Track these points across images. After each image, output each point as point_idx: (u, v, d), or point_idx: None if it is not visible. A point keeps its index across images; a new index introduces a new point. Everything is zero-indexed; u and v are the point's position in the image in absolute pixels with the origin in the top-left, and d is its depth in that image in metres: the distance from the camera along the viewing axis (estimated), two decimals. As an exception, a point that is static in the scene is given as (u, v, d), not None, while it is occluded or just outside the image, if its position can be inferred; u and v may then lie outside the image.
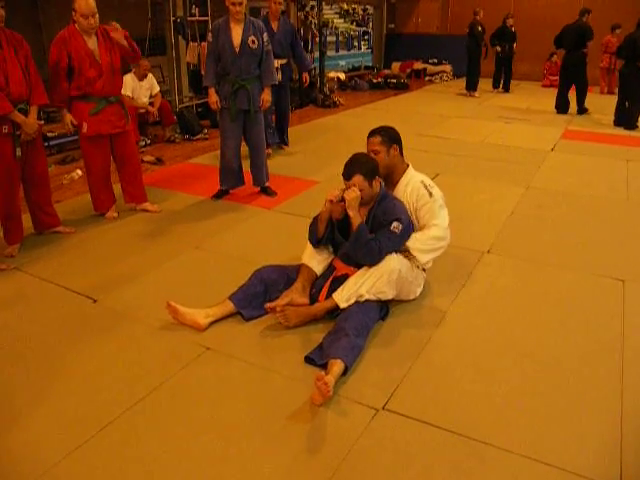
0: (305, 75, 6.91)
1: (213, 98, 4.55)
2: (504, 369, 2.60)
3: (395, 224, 2.87)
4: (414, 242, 2.99)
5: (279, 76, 5.72)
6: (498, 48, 10.89)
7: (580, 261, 3.73)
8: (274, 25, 6.01)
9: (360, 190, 2.84)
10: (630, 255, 3.83)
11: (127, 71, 6.45)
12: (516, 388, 2.47)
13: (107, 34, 4.03)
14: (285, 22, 6.20)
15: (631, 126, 8.16)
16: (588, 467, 2.04)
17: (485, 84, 11.65)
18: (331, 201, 2.90)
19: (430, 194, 3.03)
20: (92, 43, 3.93)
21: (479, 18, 10.61)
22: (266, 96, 4.65)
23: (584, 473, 2.01)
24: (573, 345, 2.80)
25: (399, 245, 2.94)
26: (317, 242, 3.06)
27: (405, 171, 3.14)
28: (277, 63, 5.66)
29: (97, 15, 3.84)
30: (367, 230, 2.86)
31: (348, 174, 2.86)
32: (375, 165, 2.93)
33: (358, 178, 2.83)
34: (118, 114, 4.16)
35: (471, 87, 11.11)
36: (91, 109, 4.01)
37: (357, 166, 2.86)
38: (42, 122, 3.80)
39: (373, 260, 2.85)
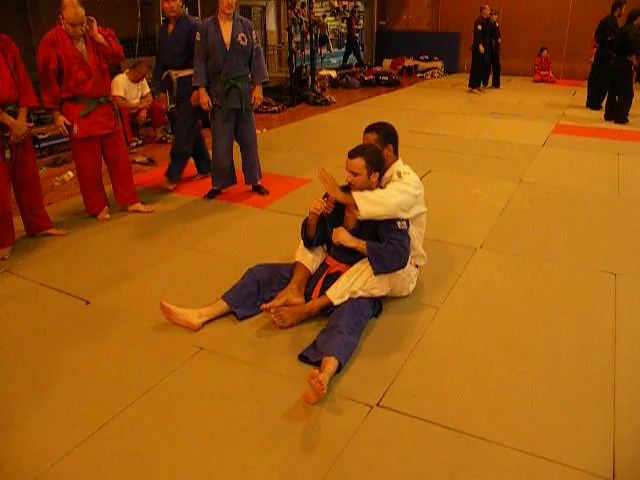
0: (194, 93, 4.68)
1: (204, 98, 4.54)
2: (498, 364, 2.61)
3: (400, 222, 2.90)
4: (357, 192, 2.89)
5: (175, 92, 4.79)
6: (481, 48, 10.81)
7: (572, 255, 3.74)
8: (170, 28, 4.76)
9: (357, 174, 2.86)
10: (622, 248, 3.85)
11: (118, 71, 6.44)
12: (510, 383, 2.48)
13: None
14: (182, 25, 4.74)
15: (621, 120, 8.19)
16: (582, 459, 2.05)
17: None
18: (315, 214, 2.94)
19: (399, 176, 3.04)
20: (80, 45, 3.91)
21: (484, 16, 10.58)
22: (257, 94, 4.65)
23: (578, 465, 2.02)
24: (566, 339, 2.81)
25: (409, 238, 2.96)
26: (310, 245, 3.08)
27: (391, 165, 3.14)
28: (175, 75, 4.72)
29: (85, 23, 3.83)
30: (374, 244, 2.85)
31: (353, 154, 2.88)
32: (381, 162, 2.96)
33: (360, 161, 2.85)
34: (108, 115, 4.15)
35: (472, 84, 11.20)
36: (81, 111, 4.00)
37: (365, 151, 2.89)
38: (32, 124, 3.78)
39: (402, 260, 2.86)
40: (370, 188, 2.92)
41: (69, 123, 3.99)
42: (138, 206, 4.49)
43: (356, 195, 2.87)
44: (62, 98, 3.96)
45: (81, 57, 3.91)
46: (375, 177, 2.93)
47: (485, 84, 11.65)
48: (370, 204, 2.84)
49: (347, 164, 2.89)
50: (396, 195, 2.88)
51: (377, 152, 2.95)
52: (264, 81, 4.70)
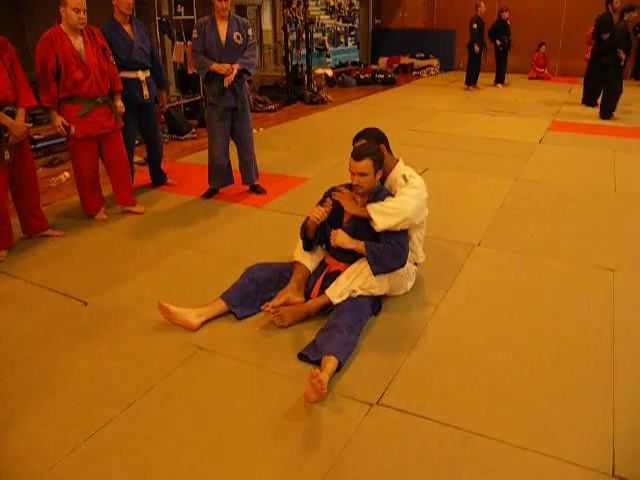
0: (163, 95, 5.12)
1: (224, 68, 4.42)
2: (497, 361, 2.62)
3: None
4: (372, 205, 2.90)
5: (145, 92, 4.66)
6: (498, 42, 10.85)
7: (570, 252, 3.75)
8: (128, 29, 4.54)
9: (365, 174, 2.85)
10: (619, 245, 3.86)
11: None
12: (508, 379, 2.48)
13: (93, 35, 4.01)
14: (139, 24, 4.69)
15: (606, 115, 8.22)
16: (581, 455, 2.06)
17: (486, 78, 11.66)
18: (315, 222, 2.93)
19: (406, 180, 3.03)
20: (78, 44, 3.90)
21: (479, 13, 10.56)
22: (235, 65, 4.49)
23: (578, 461, 2.03)
24: (565, 335, 2.82)
25: (407, 237, 2.96)
26: (309, 248, 3.07)
27: (395, 166, 3.14)
28: (142, 76, 4.62)
29: (86, 12, 3.83)
30: (373, 245, 2.85)
31: (360, 156, 2.85)
32: (382, 159, 2.96)
33: (367, 162, 2.84)
34: (107, 114, 4.14)
35: (468, 82, 11.22)
36: (79, 111, 3.98)
37: (369, 151, 2.87)
38: (30, 125, 3.76)
39: (401, 260, 2.87)
40: (374, 186, 2.93)
41: (67, 123, 3.97)
42: (127, 207, 4.46)
43: (371, 210, 2.87)
44: (59, 98, 3.95)
45: (79, 56, 3.90)
46: (379, 174, 2.94)
47: (502, 82, 11.65)
48: (386, 217, 2.85)
49: (354, 166, 2.86)
50: (410, 202, 2.88)
51: (378, 150, 2.95)
52: (246, 68, 4.55)
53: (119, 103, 4.29)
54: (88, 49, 3.94)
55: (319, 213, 2.91)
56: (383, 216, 2.85)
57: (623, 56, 7.93)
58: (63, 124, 3.96)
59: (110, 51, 4.18)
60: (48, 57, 3.80)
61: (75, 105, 3.98)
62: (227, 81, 4.41)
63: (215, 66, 4.44)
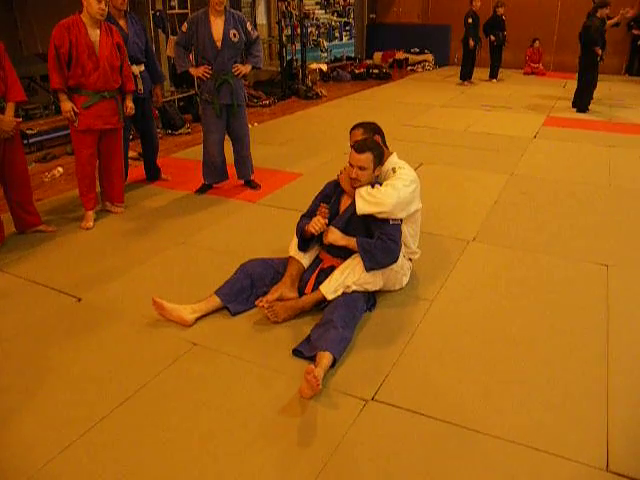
0: (158, 90, 4.99)
1: (200, 71, 4.49)
2: (492, 356, 2.62)
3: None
4: (360, 189, 2.90)
5: (140, 86, 4.60)
6: (492, 37, 10.87)
7: (564, 247, 3.76)
8: (122, 24, 4.48)
9: (365, 169, 2.85)
10: (613, 240, 3.86)
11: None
12: (504, 375, 2.49)
13: (111, 31, 3.99)
14: (134, 19, 4.65)
15: (582, 109, 8.38)
16: (576, 450, 2.06)
17: (481, 74, 11.64)
18: (312, 233, 2.92)
19: (394, 172, 3.02)
20: (94, 35, 3.87)
21: (474, 8, 10.54)
22: (242, 67, 4.60)
23: (572, 456, 2.03)
24: (559, 330, 2.82)
25: (400, 232, 2.95)
26: (305, 249, 3.05)
27: (387, 159, 3.13)
28: (136, 70, 4.56)
29: (107, 4, 3.83)
30: (365, 241, 2.84)
31: (361, 149, 2.84)
32: (382, 156, 2.96)
33: (368, 156, 2.84)
34: (111, 110, 4.09)
35: (463, 77, 11.23)
36: (83, 102, 3.93)
37: (371, 146, 2.87)
38: (20, 119, 3.73)
39: (394, 255, 2.86)
40: (372, 182, 2.92)
41: (77, 110, 3.92)
42: (108, 205, 4.41)
43: (357, 193, 2.88)
44: (68, 85, 3.90)
45: (92, 47, 3.86)
46: (379, 171, 2.94)
47: (496, 77, 11.65)
48: (366, 203, 2.85)
49: (354, 159, 2.85)
50: (392, 195, 2.86)
51: (379, 146, 2.94)
52: (255, 66, 4.72)
53: (130, 104, 4.28)
54: (103, 42, 3.90)
55: (318, 225, 2.89)
56: (364, 201, 2.86)
57: (600, 52, 8.02)
58: (74, 109, 3.90)
59: (125, 49, 4.15)
60: (62, 41, 3.76)
61: (81, 97, 3.93)
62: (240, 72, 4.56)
63: (192, 70, 4.49)
